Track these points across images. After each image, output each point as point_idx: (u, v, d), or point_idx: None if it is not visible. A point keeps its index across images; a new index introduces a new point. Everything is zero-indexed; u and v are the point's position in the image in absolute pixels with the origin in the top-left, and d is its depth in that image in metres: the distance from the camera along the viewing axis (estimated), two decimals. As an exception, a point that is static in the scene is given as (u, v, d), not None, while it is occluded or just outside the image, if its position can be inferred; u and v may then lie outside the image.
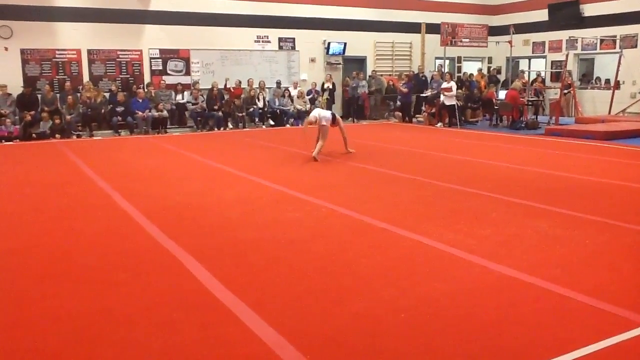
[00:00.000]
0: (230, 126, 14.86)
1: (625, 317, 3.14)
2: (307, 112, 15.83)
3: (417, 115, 16.72)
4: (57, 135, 12.48)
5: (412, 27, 18.43)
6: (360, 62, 18.10)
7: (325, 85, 16.90)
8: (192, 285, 3.69)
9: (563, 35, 17.34)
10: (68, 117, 12.88)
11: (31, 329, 3.08)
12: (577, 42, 17.21)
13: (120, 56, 14.57)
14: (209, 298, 3.47)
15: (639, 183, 6.98)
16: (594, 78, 18.64)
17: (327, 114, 9.56)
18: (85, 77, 14.08)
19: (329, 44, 17.18)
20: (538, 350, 2.78)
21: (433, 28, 17.56)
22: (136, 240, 4.74)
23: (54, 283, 3.77)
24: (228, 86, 15.15)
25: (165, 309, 3.31)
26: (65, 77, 13.82)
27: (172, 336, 2.96)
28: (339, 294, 3.52)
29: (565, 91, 15.96)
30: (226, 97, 14.96)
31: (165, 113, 14.10)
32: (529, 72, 18.25)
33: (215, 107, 14.57)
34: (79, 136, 13.03)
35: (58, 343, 2.91)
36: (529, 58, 19.47)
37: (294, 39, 16.84)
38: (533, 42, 19.01)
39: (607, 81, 17.34)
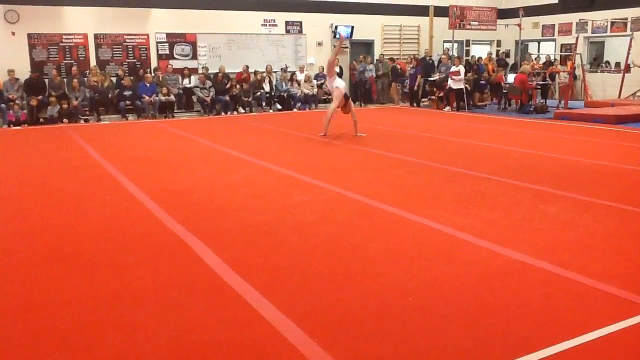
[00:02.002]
0: (242, 110, 14.81)
1: (635, 301, 3.12)
2: (315, 96, 15.83)
3: (424, 99, 16.61)
4: (64, 120, 12.50)
5: (420, 10, 18.25)
6: (368, 45, 17.97)
7: (333, 69, 16.78)
8: (201, 269, 3.69)
9: (573, 18, 17.12)
10: (75, 101, 12.90)
11: (41, 311, 3.10)
12: (587, 25, 17.00)
13: (127, 40, 14.53)
14: (217, 281, 3.48)
15: (649, 167, 6.93)
16: (604, 61, 18.43)
17: (344, 85, 9.92)
18: (92, 62, 14.06)
19: (336, 27, 17.05)
20: (547, 334, 2.77)
21: (441, 11, 17.39)
22: (144, 224, 4.75)
23: (63, 266, 3.79)
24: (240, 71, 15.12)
25: (174, 292, 3.33)
26: (72, 61, 13.81)
27: (180, 319, 2.97)
28: (347, 278, 3.52)
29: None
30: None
31: (172, 97, 14.08)
32: (538, 56, 18.06)
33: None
34: (86, 120, 13.05)
35: (68, 325, 2.93)
36: (539, 41, 19.27)
37: (301, 22, 16.72)
38: (542, 25, 18.80)
39: (617, 64, 17.14)
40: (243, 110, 14.85)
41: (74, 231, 4.59)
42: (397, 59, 17.97)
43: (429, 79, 15.91)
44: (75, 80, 13.07)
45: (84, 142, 9.53)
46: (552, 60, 17.17)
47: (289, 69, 16.13)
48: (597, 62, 18.53)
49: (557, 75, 16.44)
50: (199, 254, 3.96)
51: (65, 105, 12.61)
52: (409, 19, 18.29)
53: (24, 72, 13.00)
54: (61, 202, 5.57)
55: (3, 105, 12.20)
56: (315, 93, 15.96)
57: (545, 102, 14.97)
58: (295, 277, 3.53)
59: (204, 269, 3.69)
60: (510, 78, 15.45)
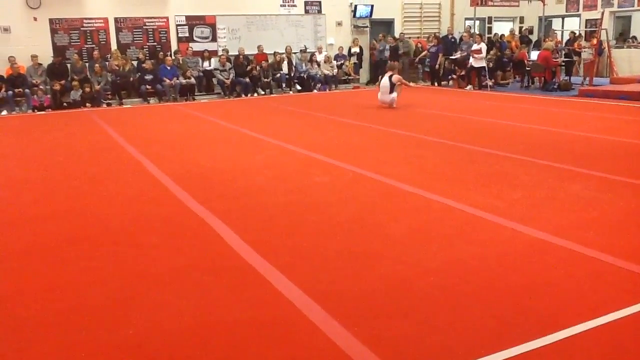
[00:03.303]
0: (262, 92, 14.81)
1: (660, 279, 3.08)
2: (335, 77, 15.75)
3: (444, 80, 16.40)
4: (87, 104, 12.62)
5: (441, -13, 17.97)
6: (387, 24, 17.76)
7: (352, 50, 16.68)
8: (222, 249, 3.73)
9: (599, -9, 16.72)
10: (97, 86, 13.01)
11: (67, 291, 3.16)
12: (613, -1, 16.59)
13: (147, 24, 14.56)
14: (238, 261, 3.51)
15: (676, 144, 6.78)
16: (631, 37, 17.98)
17: (386, 83, 10.65)
18: (113, 46, 14.12)
19: (355, 6, 16.86)
20: (570, 313, 2.75)
21: (463, -13, 17.09)
22: (166, 205, 4.80)
23: (88, 247, 3.86)
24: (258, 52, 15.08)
25: (196, 271, 3.37)
26: (94, 46, 13.89)
27: (202, 298, 3.01)
28: (367, 257, 3.52)
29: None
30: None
31: (192, 80, 14.12)
32: (562, 32, 17.69)
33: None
34: (108, 104, 13.16)
35: (93, 305, 2.98)
36: (562, 17, 18.85)
37: (320, 2, 16.56)
38: (567, 0, 18.37)
39: (645, 39, 16.73)
40: (263, 92, 14.85)
41: (98, 213, 4.65)
42: (418, 37, 17.77)
43: (451, 57, 15.69)
44: (97, 64, 13.16)
45: (107, 125, 9.63)
46: (576, 36, 16.81)
47: (308, 50, 16.04)
48: (624, 37, 18.07)
49: (581, 52, 16.10)
50: (220, 234, 4.00)
51: (87, 90, 12.73)
52: (429, -4, 18.02)
53: (46, 57, 13.12)
54: (85, 184, 5.65)
55: (27, 91, 12.35)
56: (335, 74, 15.86)
57: (570, 80, 14.68)
58: (316, 257, 3.55)
59: (226, 249, 3.72)
60: (534, 55, 15.17)
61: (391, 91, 10.66)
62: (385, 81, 10.76)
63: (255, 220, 4.34)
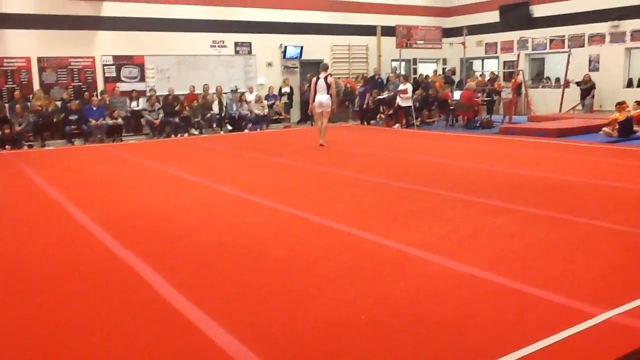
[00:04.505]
0: (195, 132, 14.66)
1: (581, 309, 3.21)
2: (266, 116, 15.84)
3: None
4: (7, 146, 12.09)
5: (368, 30, 18.60)
6: (317, 65, 18.08)
7: (283, 90, 16.88)
8: (149, 294, 3.60)
9: (514, 36, 17.80)
10: (18, 127, 12.50)
11: (-20, 347, 2.96)
12: (527, 43, 17.67)
13: (72, 63, 14.23)
14: (167, 307, 3.40)
15: (592, 178, 7.19)
16: (545, 77, 19.15)
17: (322, 83, 10.92)
18: (36, 86, 13.69)
19: (285, 47, 17.17)
20: (498, 345, 2.81)
21: (388, 30, 17.78)
22: (91, 250, 4.61)
23: (9, 295, 3.64)
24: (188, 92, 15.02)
25: (123, 319, 3.23)
26: (15, 85, 13.41)
27: (129, 347, 2.88)
28: (300, 297, 3.50)
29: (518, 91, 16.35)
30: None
31: (120, 120, 13.83)
32: (483, 72, 18.62)
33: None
34: (30, 146, 12.66)
35: (14, 355, 2.80)
36: (482, 59, 19.88)
37: (250, 43, 16.76)
38: (485, 43, 19.43)
39: (557, 80, 17.83)
40: (196, 132, 14.72)
41: (18, 259, 4.41)
42: (347, 77, 18.22)
43: (379, 97, 16.16)
44: (18, 105, 12.68)
45: (28, 168, 9.23)
46: (496, 77, 17.73)
47: (239, 90, 16.10)
48: (539, 77, 19.23)
49: (501, 92, 16.99)
50: (147, 279, 3.87)
51: (7, 131, 12.21)
52: (357, 38, 18.60)
53: (-38, 97, 12.56)
54: (4, 230, 5.36)
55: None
56: (266, 113, 15.97)
57: (491, 118, 15.40)
58: (247, 300, 3.49)
59: (154, 295, 3.60)
60: (457, 95, 15.85)
61: (327, 92, 10.84)
62: (321, 82, 10.88)
63: (185, 263, 4.24)
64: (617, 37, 15.91)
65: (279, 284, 3.75)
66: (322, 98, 10.86)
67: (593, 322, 3.03)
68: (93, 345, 2.92)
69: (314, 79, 11.01)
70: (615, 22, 15.76)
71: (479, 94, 15.92)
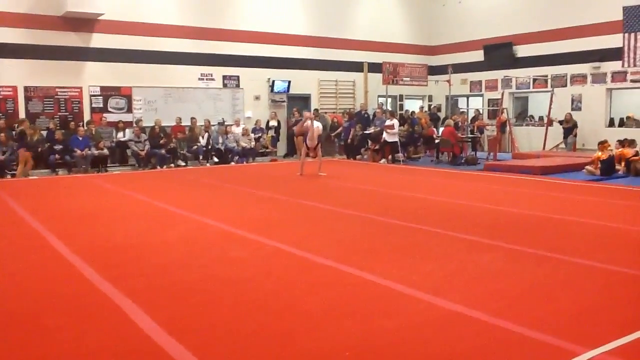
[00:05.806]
0: (182, 164, 14.63)
1: (565, 348, 3.20)
2: (252, 149, 15.87)
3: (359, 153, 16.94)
4: (-11, 175, 11.97)
5: (355, 66, 18.87)
6: (304, 99, 18.30)
7: (270, 123, 16.98)
8: (131, 330, 3.54)
9: (498, 74, 18.15)
10: (2, 156, 12.40)
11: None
12: (511, 82, 18.01)
13: (59, 93, 14.22)
14: (148, 343, 3.33)
15: (575, 216, 7.25)
16: (529, 115, 19.47)
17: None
18: (22, 115, 13.63)
19: (273, 82, 17.33)
20: (482, 385, 2.79)
21: (375, 67, 18.04)
22: (73, 284, 4.53)
23: (-19, 332, 3.55)
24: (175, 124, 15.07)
25: (104, 354, 3.16)
26: (0, 114, 13.35)
27: (108, 385, 2.81)
28: (284, 335, 3.45)
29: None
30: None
31: (105, 151, 13.78)
32: (468, 110, 18.89)
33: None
34: (13, 175, 12.53)
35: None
36: (467, 96, 20.18)
37: (238, 76, 16.90)
38: (470, 81, 19.75)
39: (541, 118, 18.13)
40: (183, 164, 14.69)
41: (-5, 294, 4.32)
42: (334, 112, 18.39)
43: (365, 132, 16.29)
44: (2, 134, 12.59)
45: (10, 198, 9.12)
46: (479, 114, 18.00)
47: (226, 123, 16.17)
48: (523, 115, 19.54)
49: (485, 129, 17.22)
50: (129, 315, 3.80)
51: (-10, 160, 12.10)
52: (344, 74, 18.83)
53: (-54, 125, 12.45)
54: (-18, 262, 5.26)
55: None
56: (252, 146, 16.01)
57: (476, 154, 15.56)
58: (230, 337, 3.44)
59: (135, 331, 3.53)
60: (441, 131, 16.01)
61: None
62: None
63: (168, 298, 4.18)
64: (598, 78, 16.26)
65: (262, 320, 3.70)
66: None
67: (577, 362, 3.02)
68: (70, 382, 2.85)
69: (309, 121, 11.68)
70: (596, 64, 16.13)
71: (463, 131, 16.11)
